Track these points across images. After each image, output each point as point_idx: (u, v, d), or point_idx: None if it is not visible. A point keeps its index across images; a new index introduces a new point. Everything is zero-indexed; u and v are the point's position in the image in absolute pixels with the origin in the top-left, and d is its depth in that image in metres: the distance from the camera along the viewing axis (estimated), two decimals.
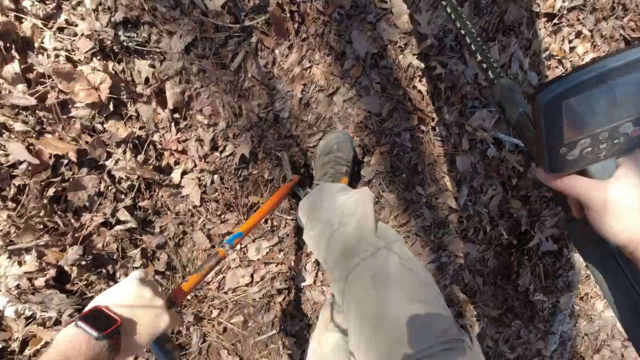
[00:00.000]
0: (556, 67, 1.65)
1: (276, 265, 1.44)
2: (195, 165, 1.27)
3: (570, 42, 1.64)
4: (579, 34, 1.65)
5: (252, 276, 1.40)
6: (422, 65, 1.41)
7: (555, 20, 1.60)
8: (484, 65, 0.69)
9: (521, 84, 1.57)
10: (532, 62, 1.58)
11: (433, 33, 1.40)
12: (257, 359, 1.48)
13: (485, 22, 1.47)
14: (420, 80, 1.43)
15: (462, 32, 0.77)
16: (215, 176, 1.31)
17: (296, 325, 1.51)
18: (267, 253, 1.43)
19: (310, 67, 1.34)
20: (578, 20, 1.65)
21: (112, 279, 1.21)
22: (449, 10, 0.83)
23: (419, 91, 1.43)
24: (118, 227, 1.17)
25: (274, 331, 1.48)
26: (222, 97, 1.26)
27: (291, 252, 1.46)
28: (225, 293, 1.40)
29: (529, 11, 1.55)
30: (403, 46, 1.38)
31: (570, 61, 1.65)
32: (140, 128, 1.17)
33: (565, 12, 1.60)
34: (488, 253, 1.67)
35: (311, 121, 1.39)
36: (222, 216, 1.36)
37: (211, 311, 1.41)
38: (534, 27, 1.58)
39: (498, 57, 1.48)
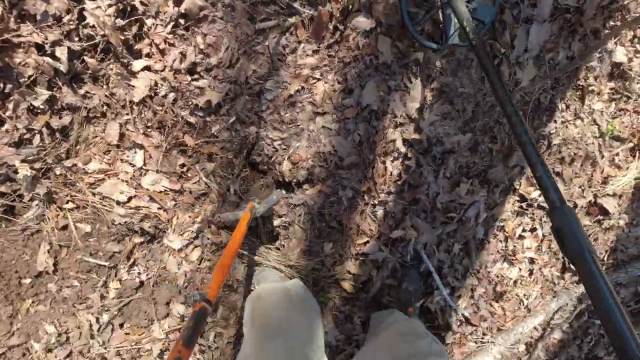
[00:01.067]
0: (500, 241, 1.74)
1: (158, 208, 1.35)
2: (162, 70, 1.23)
3: (523, 230, 1.75)
4: (533, 230, 1.76)
5: (129, 199, 1.31)
6: (402, 151, 1.46)
7: (524, 205, 1.71)
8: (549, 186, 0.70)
9: (467, 232, 1.63)
10: (486, 220, 1.65)
11: (429, 134, 1.47)
12: (71, 275, 1.34)
13: (473, 162, 1.56)
14: (392, 161, 1.47)
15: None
16: (172, 94, 1.27)
17: (132, 275, 1.39)
18: (160, 192, 1.35)
19: (319, 80, 1.37)
20: (541, 220, 1.77)
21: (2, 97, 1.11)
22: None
23: (385, 167, 1.46)
24: (47, 60, 1.09)
25: (107, 264, 1.36)
26: (231, 40, 1.27)
27: (183, 209, 1.39)
28: (93, 195, 1.29)
29: (509, 182, 1.66)
30: (399, 124, 1.44)
31: (514, 245, 1.75)
32: (142, 3, 1.15)
33: (536, 205, 1.72)
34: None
35: (286, 119, 1.39)
36: (149, 130, 1.30)
37: (67, 201, 1.30)
38: (506, 197, 1.69)
39: (462, 193, 1.55)
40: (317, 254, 1.53)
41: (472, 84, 1.49)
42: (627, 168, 1.79)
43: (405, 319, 1.40)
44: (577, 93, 1.65)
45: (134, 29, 1.16)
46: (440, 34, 1.35)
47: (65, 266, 1.34)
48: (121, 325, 1.42)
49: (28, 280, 1.32)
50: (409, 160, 1.47)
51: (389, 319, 1.41)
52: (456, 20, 1.18)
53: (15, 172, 1.23)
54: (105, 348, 1.41)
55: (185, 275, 1.43)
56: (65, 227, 1.32)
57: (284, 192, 1.45)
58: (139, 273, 1.40)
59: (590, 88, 1.64)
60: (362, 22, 1.32)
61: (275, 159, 1.42)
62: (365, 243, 1.54)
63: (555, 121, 1.66)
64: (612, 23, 1.56)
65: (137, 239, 1.37)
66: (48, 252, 1.32)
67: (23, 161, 1.21)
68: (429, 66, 1.42)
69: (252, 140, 1.39)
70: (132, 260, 1.38)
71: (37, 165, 1.23)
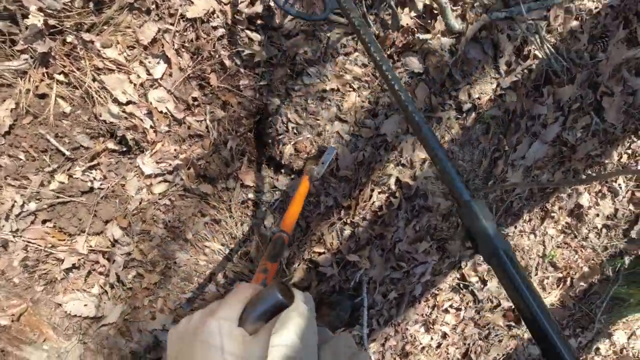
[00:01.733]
0: (428, 306, 1.85)
1: (151, 127, 1.28)
2: (227, 4, 1.21)
3: (450, 306, 1.88)
4: (458, 310, 1.90)
5: (127, 103, 1.23)
6: (392, 188, 1.54)
7: (461, 285, 1.85)
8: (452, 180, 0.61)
9: (407, 285, 1.72)
10: (426, 283, 1.76)
11: (420, 185, 1.57)
12: (22, 146, 1.20)
13: (441, 227, 1.68)
14: (379, 192, 1.54)
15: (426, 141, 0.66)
16: (222, 29, 1.25)
17: (86, 177, 1.28)
18: (161, 112, 1.28)
19: (354, 90, 1.43)
20: (467, 304, 1.92)
21: None
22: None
23: (371, 195, 1.52)
24: None
25: (67, 153, 1.24)
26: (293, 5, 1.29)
27: (173, 139, 1.32)
28: (94, 80, 1.20)
29: (459, 259, 1.80)
30: (400, 164, 1.52)
31: (437, 315, 1.86)
32: None
33: (469, 290, 1.87)
34: None
35: (310, 108, 1.41)
36: (183, 49, 1.25)
37: (61, 72, 1.18)
38: (450, 270, 1.82)
39: (420, 250, 1.65)
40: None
41: (471, 162, 1.63)
42: (549, 293, 2.02)
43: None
44: (541, 213, 1.87)
45: None
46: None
47: (21, 134, 1.20)
48: (44, 222, 1.29)
49: None
50: (394, 198, 1.54)
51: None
52: None
53: (25, 16, 1.11)
54: (14, 236, 1.26)
55: (139, 203, 1.34)
56: (43, 96, 1.20)
57: (335, 148, 1.37)
58: (94, 178, 1.29)
59: (552, 214, 1.87)
60: (414, 63, 1.42)
61: (282, 138, 1.42)
62: (320, 253, 1.56)
63: (515, 227, 1.86)
64: (589, 171, 1.81)
65: (112, 145, 1.28)
66: (10, 111, 1.18)
67: (40, 9, 1.11)
68: (447, 128, 1.54)
69: (271, 111, 1.39)
70: (95, 162, 1.28)
71: (51, 22, 1.12)
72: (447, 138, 1.56)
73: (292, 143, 1.43)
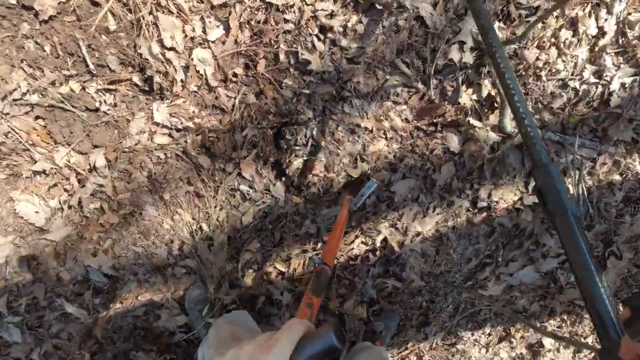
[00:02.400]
0: None
1: (181, 80, 1.24)
2: (308, 5, 1.18)
3: None
4: None
5: (170, 49, 1.19)
6: (377, 245, 1.49)
7: None
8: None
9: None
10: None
11: (403, 254, 1.52)
12: (53, 40, 1.16)
13: (403, 304, 1.63)
14: (363, 242, 1.50)
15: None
16: (291, 25, 1.21)
17: (99, 96, 1.23)
18: (198, 72, 1.24)
19: (385, 139, 1.38)
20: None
21: None
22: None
23: (353, 241, 1.48)
24: None
25: (91, 66, 1.20)
26: (373, 47, 1.26)
27: (195, 101, 1.28)
28: (150, 13, 1.16)
29: (404, 342, 1.75)
30: (395, 226, 1.48)
31: None
32: None
33: None
34: None
35: (336, 135, 1.37)
36: (246, 27, 1.21)
37: None
38: (392, 346, 1.76)
39: (372, 318, 1.60)
40: (240, 242, 1.47)
41: (460, 256, 1.58)
42: None
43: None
44: (502, 334, 1.82)
45: None
46: None
47: (57, 29, 1.16)
48: (37, 118, 1.24)
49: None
50: (373, 255, 1.50)
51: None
52: None
53: None
54: (1, 117, 1.21)
55: (135, 144, 1.30)
56: (96, 4, 1.16)
57: (377, 183, 1.30)
58: (104, 101, 1.24)
59: (511, 339, 1.82)
60: (453, 141, 1.39)
61: (297, 150, 1.38)
62: (279, 273, 1.51)
63: (472, 334, 1.80)
64: (565, 317, 1.77)
65: (137, 79, 1.24)
66: (58, 3, 1.14)
67: None
68: (454, 214, 1.50)
69: (300, 120, 1.35)
70: (113, 87, 1.23)
71: None
72: (450, 223, 1.51)
73: (303, 159, 1.39)
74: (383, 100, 1.34)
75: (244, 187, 1.41)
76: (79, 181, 1.31)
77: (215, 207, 1.43)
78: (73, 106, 1.23)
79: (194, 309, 1.52)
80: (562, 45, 1.32)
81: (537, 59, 1.32)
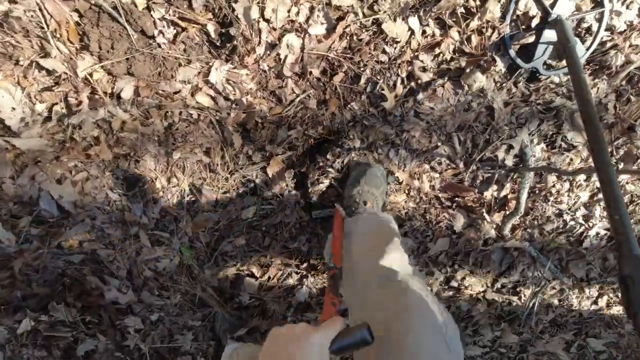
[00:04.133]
0: None
1: (263, 56, 1.13)
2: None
3: None
4: None
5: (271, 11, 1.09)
6: None
7: None
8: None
9: None
10: None
11: None
12: None
13: None
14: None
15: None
16: (384, 57, 1.19)
17: (166, 34, 1.06)
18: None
19: (407, 194, 1.42)
20: None
21: None
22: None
23: None
24: None
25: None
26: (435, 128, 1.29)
27: (264, 82, 1.17)
28: None
29: None
30: None
31: None
32: None
33: None
34: None
35: None
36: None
37: None
38: None
39: None
40: (227, 232, 1.37)
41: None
42: None
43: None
44: None
45: None
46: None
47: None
48: (76, 11, 1.02)
49: None
50: None
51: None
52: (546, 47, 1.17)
53: None
54: None
55: (172, 92, 1.14)
56: None
57: None
58: (164, 33, 1.07)
59: None
60: (459, 222, 1.48)
61: (328, 171, 1.34)
62: (252, 275, 1.43)
63: None
64: None
65: (211, 28, 1.09)
66: None
67: None
68: (428, 283, 1.58)
69: (343, 145, 1.31)
70: (181, 23, 1.07)
71: None
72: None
73: (329, 183, 1.36)
74: (424, 163, 1.38)
75: (259, 182, 1.33)
76: (89, 100, 1.10)
77: (221, 188, 1.32)
78: (127, 21, 1.04)
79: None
80: (574, 183, 1.50)
81: (553, 185, 1.48)
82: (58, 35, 1.02)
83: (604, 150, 0.81)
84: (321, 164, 1.32)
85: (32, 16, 1.00)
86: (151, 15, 1.05)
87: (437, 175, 1.41)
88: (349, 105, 1.26)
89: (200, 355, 1.53)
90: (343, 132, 1.30)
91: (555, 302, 1.76)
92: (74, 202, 1.26)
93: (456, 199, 1.45)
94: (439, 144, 1.34)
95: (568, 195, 1.53)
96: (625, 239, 0.69)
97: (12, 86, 1.09)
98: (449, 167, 1.40)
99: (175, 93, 1.14)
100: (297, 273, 1.46)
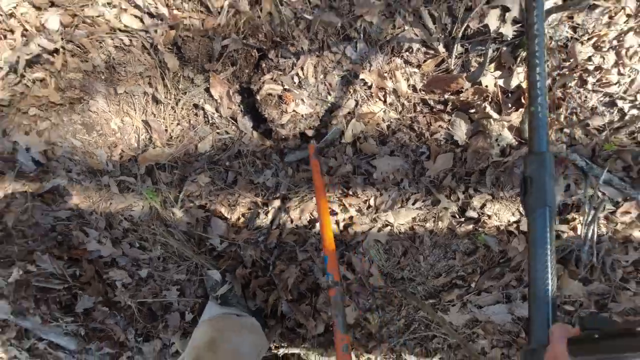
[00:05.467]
0: None
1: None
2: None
3: None
4: None
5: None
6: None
7: None
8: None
9: None
10: None
11: None
12: None
13: None
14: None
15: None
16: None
17: None
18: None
19: (384, 102, 1.17)
20: None
21: None
22: None
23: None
24: None
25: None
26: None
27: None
28: None
29: None
30: (372, 219, 1.27)
31: None
32: None
33: None
34: None
35: (329, 76, 1.16)
36: None
37: None
38: None
39: None
40: (189, 169, 1.28)
41: (430, 267, 1.36)
42: None
43: None
44: None
45: None
46: None
47: None
48: None
49: None
50: None
51: None
52: None
53: None
54: None
55: (98, 17, 1.11)
56: None
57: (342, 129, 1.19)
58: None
59: None
60: (460, 130, 1.16)
61: (276, 73, 1.17)
62: (221, 217, 1.31)
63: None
64: None
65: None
66: None
67: None
68: (435, 216, 1.27)
69: (291, 48, 1.13)
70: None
71: None
72: (428, 225, 1.29)
73: (283, 85, 1.16)
74: (393, 55, 1.12)
75: (208, 108, 1.22)
76: (23, 37, 1.12)
77: (173, 120, 1.24)
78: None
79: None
80: (624, 52, 1.07)
81: (589, 59, 1.08)
82: None
83: None
84: (265, 66, 1.15)
85: None
86: None
87: (414, 69, 1.13)
88: (284, 0, 1.09)
89: (189, 311, 1.44)
90: (286, 34, 1.13)
91: (637, 234, 1.27)
92: (44, 152, 1.30)
93: (448, 97, 1.14)
94: (406, 26, 1.08)
95: (619, 72, 1.10)
96: (536, 129, 0.62)
97: None
98: (427, 55, 1.11)
99: (100, 16, 1.11)
100: (265, 213, 1.29)
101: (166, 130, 1.24)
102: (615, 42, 1.08)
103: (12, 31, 1.12)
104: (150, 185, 1.31)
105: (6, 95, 1.21)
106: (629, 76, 1.10)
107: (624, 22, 1.06)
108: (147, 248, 1.41)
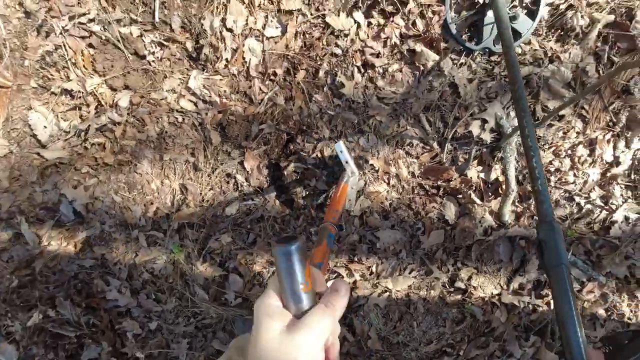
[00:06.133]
0: None
1: (231, 56, 1.33)
2: None
3: None
4: None
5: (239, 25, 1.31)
6: None
7: None
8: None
9: None
10: None
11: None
12: None
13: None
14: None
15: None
16: (338, 50, 1.32)
17: (150, 49, 1.34)
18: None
19: (387, 184, 1.41)
20: None
21: None
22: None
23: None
24: None
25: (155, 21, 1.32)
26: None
27: (238, 89, 1.36)
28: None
29: None
30: (373, 285, 1.43)
31: None
32: None
33: None
34: None
35: None
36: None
37: None
38: None
39: None
40: (214, 229, 1.45)
41: (422, 333, 1.49)
42: None
43: None
44: None
45: None
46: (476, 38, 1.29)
47: None
48: (90, 46, 1.34)
49: None
50: None
51: None
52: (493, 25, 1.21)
53: None
54: (61, 33, 1.31)
55: (161, 99, 1.36)
56: None
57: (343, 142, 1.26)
58: (153, 52, 1.34)
59: None
60: (450, 211, 1.39)
61: (301, 155, 1.41)
62: (238, 274, 1.45)
63: None
64: None
65: (189, 45, 1.34)
66: None
67: None
68: (428, 285, 1.44)
69: (314, 135, 1.39)
70: (166, 43, 1.34)
71: None
72: (422, 293, 1.45)
73: (304, 166, 1.40)
74: (397, 147, 1.39)
75: (239, 177, 1.43)
76: (96, 111, 1.36)
77: (207, 185, 1.44)
78: (125, 46, 1.33)
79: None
80: (576, 159, 1.37)
81: (550, 163, 1.37)
82: (75, 63, 1.33)
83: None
84: (292, 148, 1.40)
85: (59, 52, 1.33)
86: (142, 40, 1.33)
87: (413, 159, 1.39)
88: (313, 98, 1.37)
89: None
90: (312, 124, 1.39)
91: (602, 312, 1.46)
92: (85, 204, 1.46)
93: (441, 183, 1.39)
94: (408, 126, 1.36)
95: (574, 174, 1.38)
96: (542, 203, 0.75)
97: (46, 110, 1.40)
98: (424, 149, 1.38)
99: (162, 99, 1.36)
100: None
101: (200, 193, 1.43)
102: (569, 151, 1.37)
103: (87, 105, 1.35)
104: (177, 240, 1.46)
105: (66, 155, 1.41)
106: (582, 178, 1.38)
107: (575, 137, 1.37)
108: (162, 300, 1.51)
